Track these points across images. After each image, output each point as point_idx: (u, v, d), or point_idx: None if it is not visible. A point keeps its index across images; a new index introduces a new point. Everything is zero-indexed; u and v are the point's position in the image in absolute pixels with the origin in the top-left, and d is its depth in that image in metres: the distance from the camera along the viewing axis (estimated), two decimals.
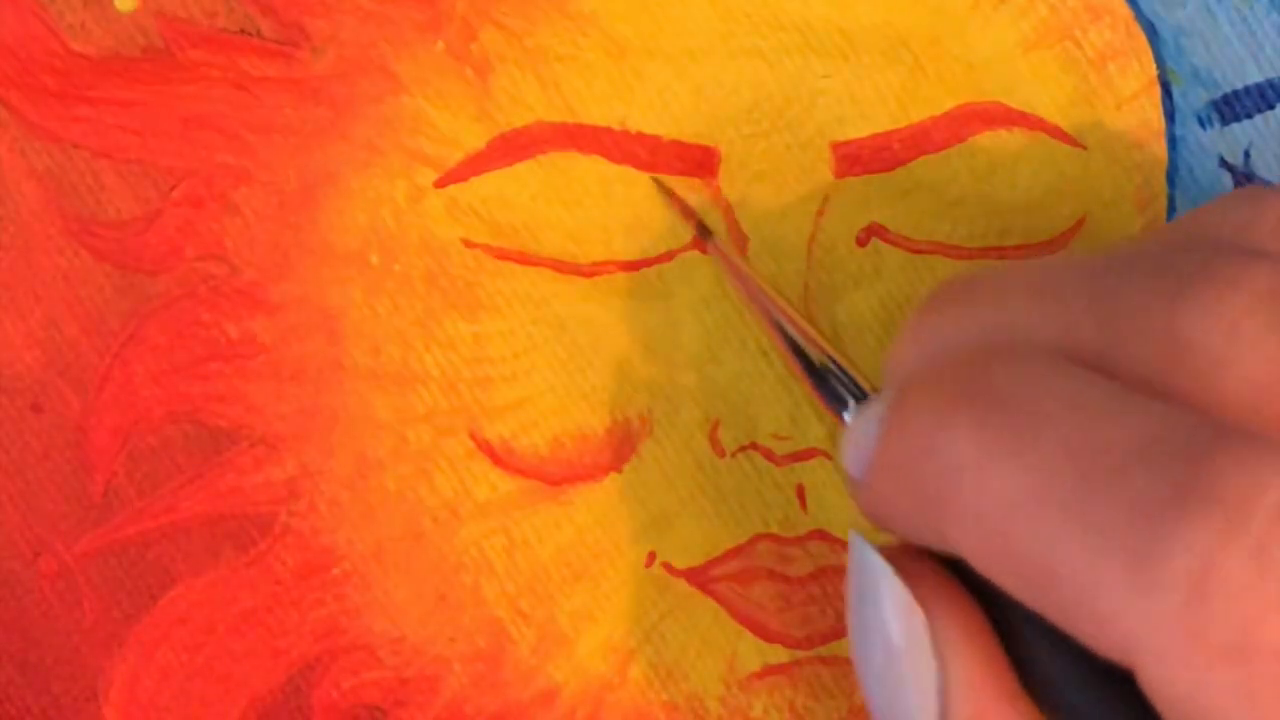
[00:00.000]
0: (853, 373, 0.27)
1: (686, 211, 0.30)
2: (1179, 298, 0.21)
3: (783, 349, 0.28)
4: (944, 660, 0.22)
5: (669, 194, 0.30)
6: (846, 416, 0.27)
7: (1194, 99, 0.31)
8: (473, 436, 0.30)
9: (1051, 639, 0.21)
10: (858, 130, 0.30)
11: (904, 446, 0.22)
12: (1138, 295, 0.21)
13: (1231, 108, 0.31)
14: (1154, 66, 0.31)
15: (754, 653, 0.31)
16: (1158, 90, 0.31)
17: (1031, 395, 0.21)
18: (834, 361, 0.27)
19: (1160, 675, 0.19)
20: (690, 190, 0.30)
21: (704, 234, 0.30)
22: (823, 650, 0.31)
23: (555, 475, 0.30)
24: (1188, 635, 0.18)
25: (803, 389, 0.30)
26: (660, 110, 0.30)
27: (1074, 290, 0.22)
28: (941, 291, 0.24)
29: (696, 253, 0.30)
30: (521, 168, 0.30)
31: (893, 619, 0.22)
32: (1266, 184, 0.31)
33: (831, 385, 0.27)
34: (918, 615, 0.22)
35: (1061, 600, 0.20)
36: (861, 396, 0.27)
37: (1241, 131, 0.31)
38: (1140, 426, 0.20)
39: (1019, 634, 0.22)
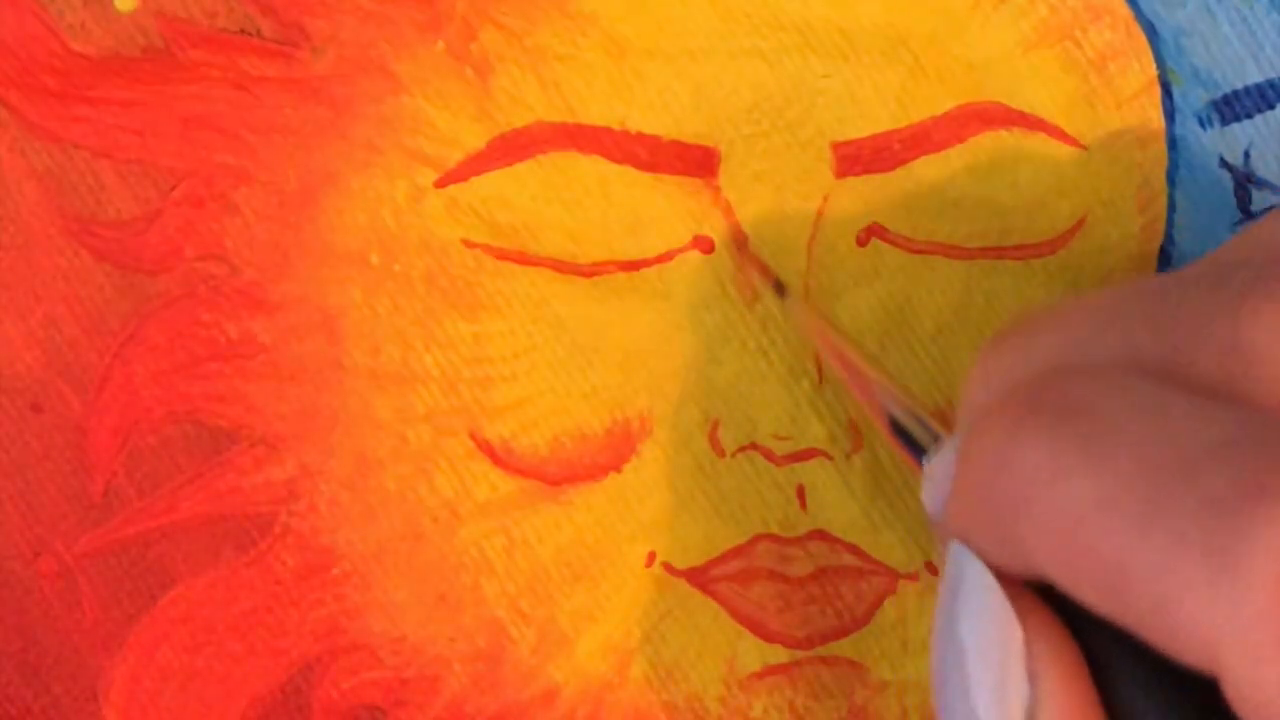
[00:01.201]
0: (930, 421, 0.27)
1: (763, 270, 0.30)
2: (1240, 308, 0.21)
3: (861, 399, 0.28)
4: (1036, 680, 0.22)
5: (742, 250, 0.30)
6: (925, 463, 0.27)
7: (1194, 99, 0.31)
8: (473, 436, 0.30)
9: (1136, 669, 0.21)
10: (858, 130, 0.30)
11: (979, 466, 0.22)
12: (1199, 310, 0.21)
13: (1231, 108, 0.31)
14: (1154, 66, 0.31)
15: (754, 653, 0.31)
16: (1158, 90, 0.31)
17: (1100, 404, 0.21)
18: (911, 412, 0.27)
19: (1246, 677, 0.18)
20: (690, 190, 0.30)
21: (781, 292, 0.30)
22: (823, 650, 0.31)
23: (555, 475, 0.30)
24: (1274, 633, 0.18)
25: (803, 389, 0.30)
26: (660, 110, 0.30)
27: (1134, 310, 0.22)
28: (1002, 331, 0.25)
29: (697, 252, 0.30)
30: (521, 168, 0.30)
31: (989, 632, 0.22)
32: (1266, 184, 0.31)
33: (910, 435, 0.27)
34: (1016, 630, 0.22)
35: (1141, 607, 0.19)
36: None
37: (1241, 131, 0.31)
38: (1212, 428, 0.20)
39: (1104, 664, 0.22)
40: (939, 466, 0.24)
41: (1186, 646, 0.19)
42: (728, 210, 0.30)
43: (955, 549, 0.23)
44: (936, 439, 0.26)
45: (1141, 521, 0.19)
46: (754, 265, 0.30)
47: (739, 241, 0.30)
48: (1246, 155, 0.31)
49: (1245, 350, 0.21)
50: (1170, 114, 0.31)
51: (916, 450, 0.27)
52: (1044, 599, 0.22)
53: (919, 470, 0.26)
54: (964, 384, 0.25)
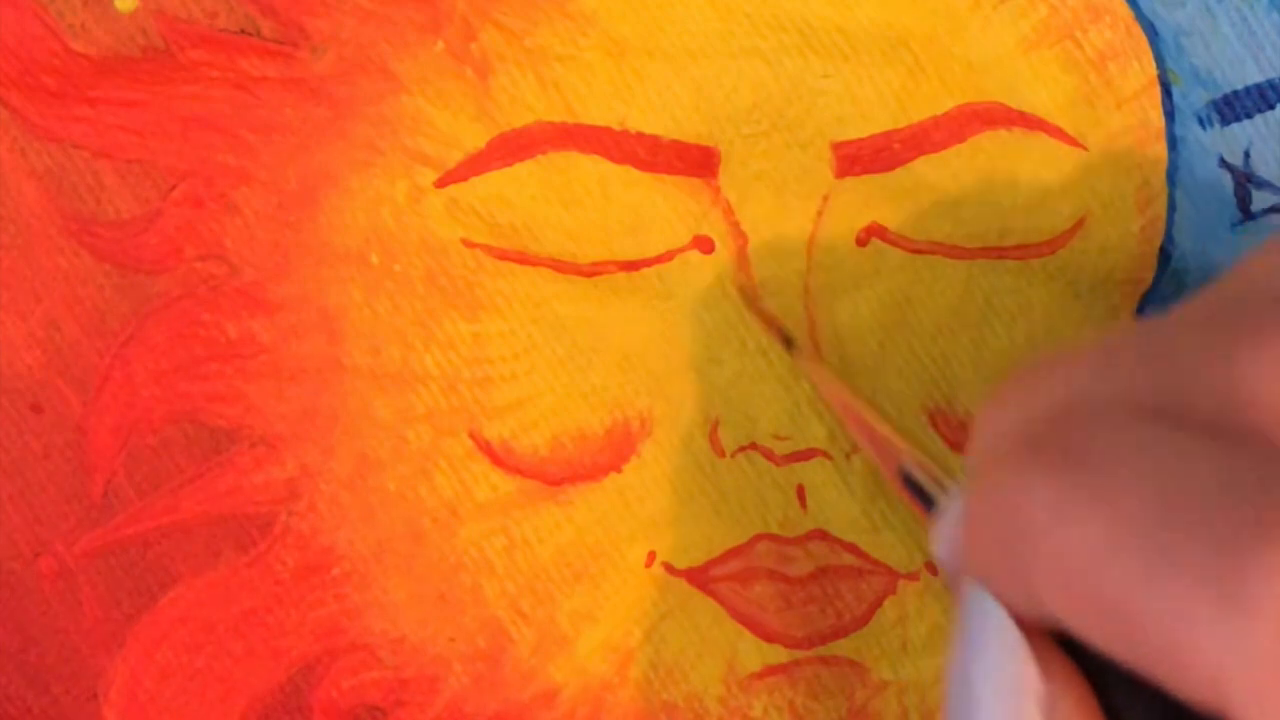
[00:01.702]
0: (939, 473, 0.27)
1: (771, 322, 0.30)
2: (1235, 350, 0.21)
3: (869, 451, 0.28)
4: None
5: (752, 303, 0.30)
6: (934, 513, 0.27)
7: (1194, 99, 0.31)
8: (473, 436, 0.30)
9: (1149, 713, 0.21)
10: (858, 130, 0.30)
11: (988, 512, 0.22)
12: (1194, 351, 0.21)
13: (1231, 108, 0.31)
14: (1154, 66, 0.31)
15: (754, 653, 0.31)
16: (1158, 90, 0.31)
17: (1103, 446, 0.21)
18: (921, 464, 0.27)
19: (1254, 716, 0.18)
20: (690, 190, 0.30)
21: (788, 345, 0.30)
22: (822, 650, 0.31)
23: (555, 475, 0.30)
24: None
25: (803, 389, 0.30)
26: (660, 110, 0.30)
27: (1132, 354, 0.22)
28: (1004, 383, 0.25)
29: (697, 252, 0.30)
30: (521, 168, 0.30)
31: (1004, 676, 0.22)
32: (1266, 184, 0.31)
33: (920, 487, 0.27)
34: (1033, 673, 0.22)
35: (1150, 648, 0.19)
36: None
37: (1241, 131, 0.31)
38: (1215, 465, 0.20)
39: (1117, 709, 0.22)
40: (948, 516, 0.24)
41: (1196, 687, 0.19)
42: (728, 210, 0.30)
43: (971, 593, 0.23)
44: (945, 490, 0.27)
45: (1147, 564, 0.19)
46: (762, 319, 0.30)
47: (749, 294, 0.30)
48: (1246, 155, 0.31)
49: (1241, 390, 0.21)
50: (1170, 114, 0.31)
51: (926, 501, 0.27)
52: (1058, 644, 0.22)
53: (929, 521, 0.26)
54: (971, 434, 0.26)
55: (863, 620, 0.31)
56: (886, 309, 0.31)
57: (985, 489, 0.22)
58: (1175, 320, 0.22)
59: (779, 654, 0.31)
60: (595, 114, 0.30)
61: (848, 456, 0.31)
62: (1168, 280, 0.31)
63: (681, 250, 0.30)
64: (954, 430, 0.31)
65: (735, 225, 0.30)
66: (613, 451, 0.30)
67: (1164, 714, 0.21)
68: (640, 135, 0.30)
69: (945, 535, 0.24)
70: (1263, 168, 0.31)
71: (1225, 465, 0.19)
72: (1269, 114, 0.31)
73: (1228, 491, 0.19)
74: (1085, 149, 0.31)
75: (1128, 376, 0.22)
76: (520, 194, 0.30)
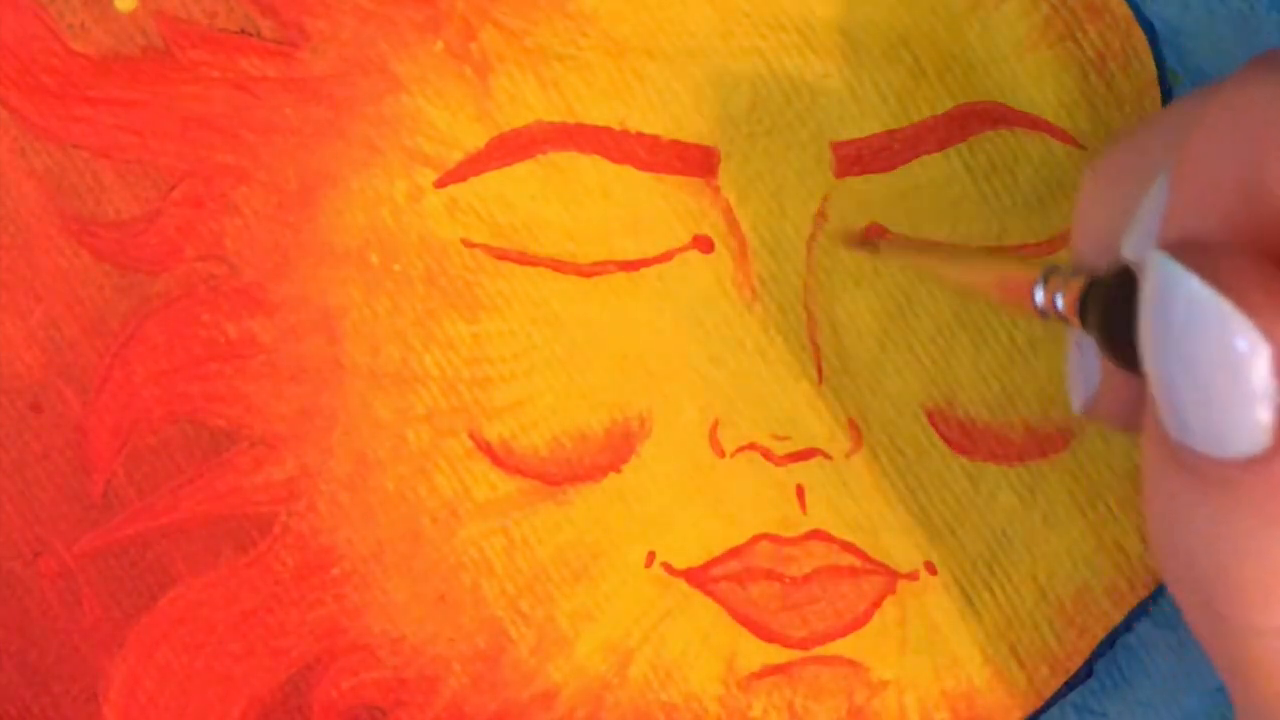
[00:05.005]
0: (1063, 267, 0.25)
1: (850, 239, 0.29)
2: None
3: (996, 297, 0.26)
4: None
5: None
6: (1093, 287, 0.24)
7: None
8: (472, 436, 0.30)
9: None
10: (858, 130, 0.30)
11: (1218, 124, 0.20)
12: None
13: None
14: (1154, 66, 0.31)
15: (754, 653, 0.31)
16: (1158, 90, 0.31)
17: None
18: (1047, 272, 0.25)
19: None
20: (690, 190, 0.30)
21: (873, 249, 0.29)
22: (822, 650, 0.31)
23: (555, 475, 0.30)
24: None
25: (803, 389, 0.30)
26: (660, 110, 0.30)
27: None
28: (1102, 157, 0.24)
29: (696, 252, 0.30)
30: (521, 168, 0.30)
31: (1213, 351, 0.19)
32: None
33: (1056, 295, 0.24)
34: (1242, 325, 0.19)
35: None
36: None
37: None
38: None
39: None
40: (1144, 212, 0.22)
41: None
42: (728, 210, 0.30)
43: (1157, 259, 0.20)
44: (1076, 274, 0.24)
45: None
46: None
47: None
48: None
49: None
50: None
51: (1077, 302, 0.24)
52: None
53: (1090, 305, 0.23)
54: (1078, 214, 0.24)
55: (863, 620, 0.31)
56: (886, 309, 0.31)
57: (1216, 107, 0.20)
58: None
59: (778, 654, 0.31)
60: (595, 114, 0.30)
61: (847, 456, 0.31)
62: None
63: (681, 250, 0.30)
64: (954, 430, 0.31)
65: (735, 225, 0.30)
66: (612, 452, 0.30)
67: None
68: (640, 135, 0.30)
69: (1141, 225, 0.22)
70: None
71: None
72: None
73: None
74: (1085, 149, 0.31)
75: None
76: (520, 194, 0.30)
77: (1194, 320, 0.19)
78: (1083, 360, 0.26)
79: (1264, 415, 0.19)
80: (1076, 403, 0.26)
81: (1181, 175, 0.21)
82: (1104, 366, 0.25)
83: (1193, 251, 0.19)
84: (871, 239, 0.30)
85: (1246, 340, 0.18)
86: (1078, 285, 0.23)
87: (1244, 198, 0.20)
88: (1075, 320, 0.24)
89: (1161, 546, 0.21)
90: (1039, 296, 0.24)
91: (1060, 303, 0.24)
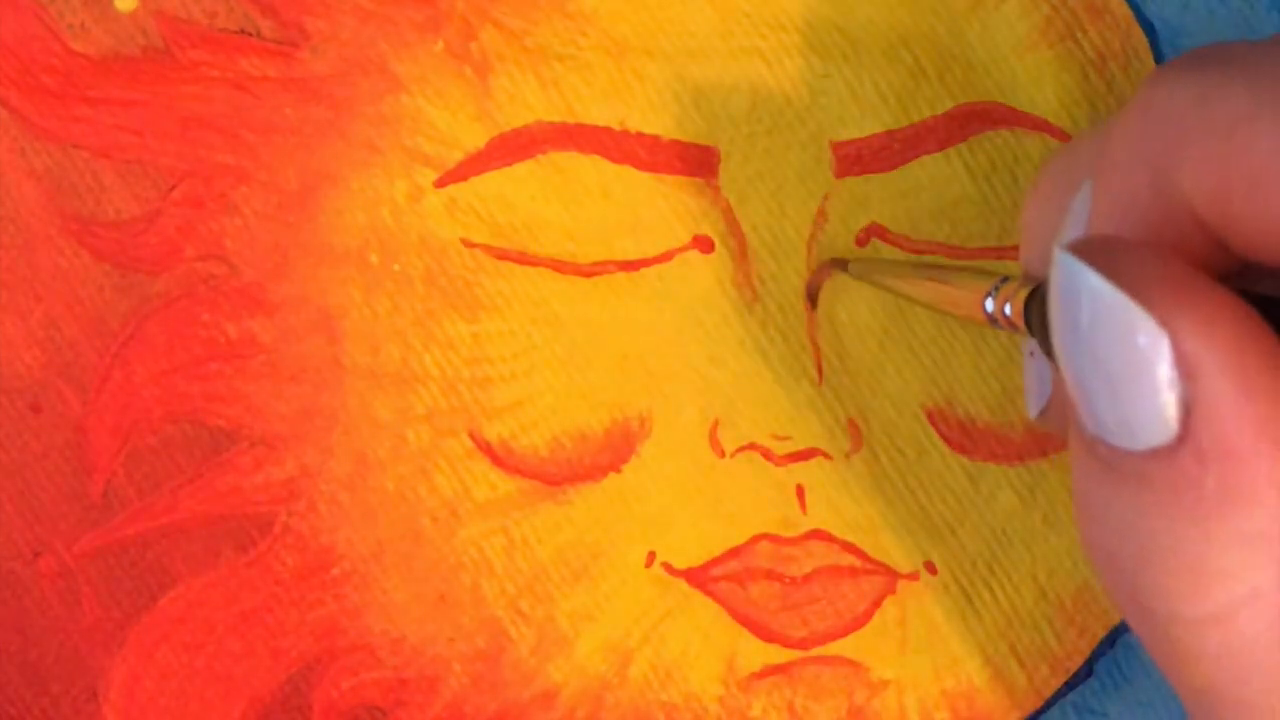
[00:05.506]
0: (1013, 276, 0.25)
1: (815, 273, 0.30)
2: None
3: (949, 310, 0.27)
4: (1195, 366, 0.19)
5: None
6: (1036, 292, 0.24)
7: None
8: (472, 436, 0.30)
9: None
10: (858, 130, 0.30)
11: (1135, 117, 0.21)
12: None
13: None
14: (1154, 66, 0.31)
15: (754, 653, 0.31)
16: None
17: (1227, 53, 0.20)
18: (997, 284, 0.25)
19: None
20: (690, 190, 0.30)
21: (842, 268, 0.30)
22: (822, 650, 0.31)
23: (555, 475, 0.30)
24: None
25: (803, 389, 0.30)
26: (660, 110, 0.30)
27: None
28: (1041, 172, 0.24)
29: (696, 252, 0.30)
30: (521, 168, 0.30)
31: (1112, 339, 0.19)
32: None
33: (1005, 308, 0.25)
34: (1143, 322, 0.19)
35: None
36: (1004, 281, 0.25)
37: None
38: None
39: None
40: (1077, 206, 0.23)
41: None
42: (728, 210, 0.30)
43: (1061, 256, 0.20)
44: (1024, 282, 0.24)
45: None
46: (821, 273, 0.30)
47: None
48: None
49: None
50: None
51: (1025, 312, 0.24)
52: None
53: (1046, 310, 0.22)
54: (1022, 224, 0.25)
55: (863, 620, 0.31)
56: (886, 309, 0.31)
57: (1133, 105, 0.21)
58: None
59: (778, 654, 0.31)
60: (595, 114, 0.30)
61: (847, 456, 0.31)
62: None
63: (681, 250, 0.30)
64: (954, 430, 0.31)
65: (735, 225, 0.30)
66: (612, 452, 0.30)
67: None
68: (640, 135, 0.30)
69: (1069, 230, 0.23)
70: None
71: None
72: None
73: None
74: None
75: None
76: (520, 194, 0.30)
77: (1098, 316, 0.19)
78: (1037, 368, 0.26)
79: (1168, 406, 0.19)
80: (1032, 409, 0.27)
81: (1101, 179, 0.22)
82: (1055, 373, 0.25)
83: (1093, 248, 0.20)
84: (840, 259, 0.30)
85: (1147, 333, 0.19)
86: (1024, 294, 0.24)
87: (1157, 197, 0.21)
88: (1023, 328, 0.24)
89: (1088, 542, 0.22)
90: (989, 306, 0.25)
91: (1009, 310, 0.24)
